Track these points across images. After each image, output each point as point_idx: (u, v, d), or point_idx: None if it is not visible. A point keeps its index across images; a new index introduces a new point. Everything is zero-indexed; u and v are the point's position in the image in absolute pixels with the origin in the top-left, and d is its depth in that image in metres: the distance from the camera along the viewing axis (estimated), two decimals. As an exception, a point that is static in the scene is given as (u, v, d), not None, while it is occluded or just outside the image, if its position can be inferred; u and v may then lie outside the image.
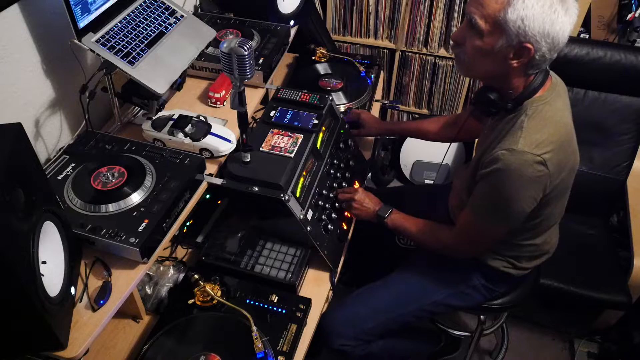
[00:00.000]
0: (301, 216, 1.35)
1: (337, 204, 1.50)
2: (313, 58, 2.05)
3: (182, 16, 1.47)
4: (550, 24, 1.02)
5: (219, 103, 1.53)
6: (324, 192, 1.48)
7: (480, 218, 1.25)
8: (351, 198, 1.49)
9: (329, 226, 1.45)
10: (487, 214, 1.23)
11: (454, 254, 1.39)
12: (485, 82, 1.22)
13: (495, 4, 1.04)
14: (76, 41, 1.21)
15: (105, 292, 1.05)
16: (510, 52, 1.07)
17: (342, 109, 1.84)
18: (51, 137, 1.34)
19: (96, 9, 1.26)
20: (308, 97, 1.57)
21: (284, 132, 1.47)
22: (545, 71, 1.15)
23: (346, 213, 1.53)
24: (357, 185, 1.60)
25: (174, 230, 1.19)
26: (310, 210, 1.39)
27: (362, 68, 2.00)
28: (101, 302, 1.03)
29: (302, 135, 1.46)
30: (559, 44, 1.06)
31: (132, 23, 1.35)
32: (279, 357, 1.20)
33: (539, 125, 1.12)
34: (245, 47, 1.09)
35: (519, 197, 1.14)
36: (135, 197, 1.15)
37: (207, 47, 1.54)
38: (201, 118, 1.37)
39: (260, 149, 1.42)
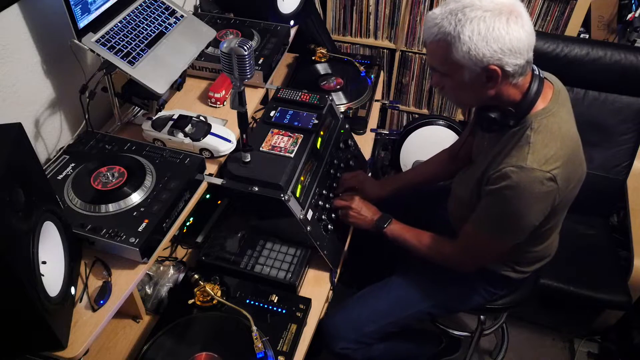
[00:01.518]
0: (301, 216, 1.35)
1: (333, 215, 1.50)
2: (313, 58, 2.05)
3: (182, 16, 1.47)
4: (498, 41, 1.02)
5: (219, 103, 1.53)
6: (324, 192, 1.48)
7: (485, 232, 1.23)
8: (348, 206, 1.48)
9: (329, 226, 1.45)
10: (493, 229, 1.22)
11: (455, 267, 1.38)
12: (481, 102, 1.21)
13: (440, 50, 1.07)
14: (76, 41, 1.21)
15: (105, 292, 1.05)
16: (481, 78, 1.08)
17: (342, 109, 1.84)
18: (51, 137, 1.34)
19: (96, 9, 1.26)
20: (308, 97, 1.57)
21: (284, 132, 1.47)
22: (538, 78, 1.13)
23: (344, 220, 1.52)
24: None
25: (174, 230, 1.19)
26: (310, 210, 1.39)
27: (362, 68, 2.00)
28: (101, 302, 1.03)
29: (302, 135, 1.46)
30: (521, 49, 1.04)
31: (132, 23, 1.35)
32: (279, 357, 1.20)
33: (546, 139, 1.11)
34: (245, 47, 1.09)
35: (527, 213, 1.14)
36: (135, 197, 1.15)
37: (207, 47, 1.54)
38: (201, 118, 1.37)
39: (260, 149, 1.42)
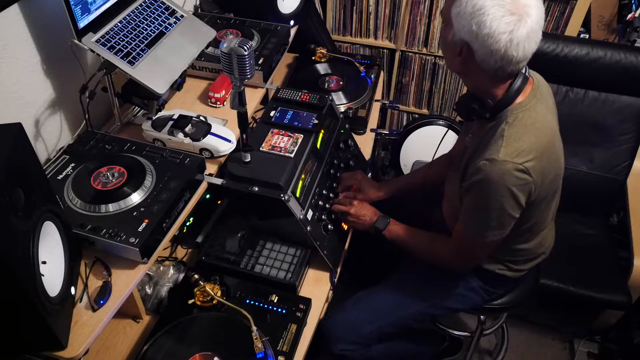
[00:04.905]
0: (301, 216, 1.35)
1: (333, 215, 1.50)
2: (313, 58, 2.05)
3: (182, 16, 1.47)
4: (478, 26, 1.03)
5: (219, 103, 1.53)
6: (324, 192, 1.48)
7: (471, 229, 1.24)
8: (347, 212, 1.48)
9: (329, 226, 1.45)
10: (476, 224, 1.22)
11: (450, 266, 1.38)
12: (463, 80, 1.23)
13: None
14: (76, 41, 1.21)
15: (105, 292, 1.05)
16: (457, 47, 1.10)
17: (342, 109, 1.84)
18: (51, 137, 1.34)
19: (96, 9, 1.26)
20: (308, 97, 1.57)
21: (284, 132, 1.47)
22: (523, 76, 1.14)
23: (343, 224, 1.53)
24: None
25: (174, 230, 1.19)
26: (310, 210, 1.39)
27: (362, 68, 2.00)
28: (101, 302, 1.03)
29: (302, 135, 1.46)
30: (497, 51, 1.04)
31: (132, 23, 1.35)
32: (279, 357, 1.20)
33: (519, 133, 1.12)
34: (245, 47, 1.09)
35: (503, 206, 1.14)
36: (135, 197, 1.15)
37: (207, 47, 1.54)
38: (201, 118, 1.37)
39: (260, 149, 1.42)
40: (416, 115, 2.70)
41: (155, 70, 1.31)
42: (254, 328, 1.20)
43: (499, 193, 1.12)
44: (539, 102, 1.17)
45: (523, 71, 1.14)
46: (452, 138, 2.20)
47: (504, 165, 1.09)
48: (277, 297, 1.33)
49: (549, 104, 1.22)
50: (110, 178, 1.18)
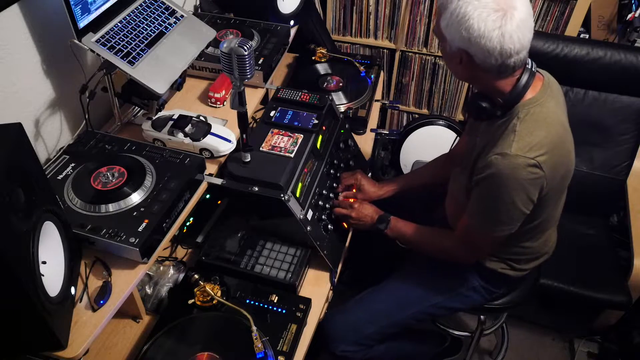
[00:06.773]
0: (301, 216, 1.35)
1: (333, 215, 1.50)
2: (313, 58, 2.05)
3: (182, 16, 1.47)
4: (467, 31, 1.05)
5: (219, 103, 1.53)
6: (324, 192, 1.48)
7: (480, 223, 1.24)
8: (348, 215, 1.48)
9: (329, 226, 1.45)
10: (485, 218, 1.22)
11: (456, 259, 1.39)
12: (472, 86, 1.24)
13: (438, 13, 1.14)
14: (76, 41, 1.21)
15: (105, 292, 1.05)
16: (456, 57, 1.12)
17: (342, 109, 1.84)
18: (51, 137, 1.34)
19: (96, 9, 1.26)
20: (308, 97, 1.57)
21: (284, 132, 1.47)
22: (530, 71, 1.15)
23: (343, 223, 1.53)
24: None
25: (174, 230, 1.19)
26: (310, 210, 1.39)
27: (362, 68, 2.00)
28: (101, 302, 1.03)
29: (302, 135, 1.46)
30: (493, 49, 1.05)
31: (132, 23, 1.35)
32: (279, 357, 1.20)
33: (531, 127, 1.12)
34: (245, 47, 1.09)
35: (515, 200, 1.14)
36: (135, 197, 1.15)
37: (207, 47, 1.54)
38: (201, 118, 1.37)
39: (260, 149, 1.42)
40: (416, 115, 2.70)
41: (155, 70, 1.31)
42: (254, 328, 1.20)
43: (511, 187, 1.12)
44: (550, 98, 1.17)
45: (529, 66, 1.15)
46: (451, 139, 2.20)
47: (516, 160, 1.09)
48: (277, 297, 1.33)
49: (560, 100, 1.22)
50: (110, 178, 1.18)
